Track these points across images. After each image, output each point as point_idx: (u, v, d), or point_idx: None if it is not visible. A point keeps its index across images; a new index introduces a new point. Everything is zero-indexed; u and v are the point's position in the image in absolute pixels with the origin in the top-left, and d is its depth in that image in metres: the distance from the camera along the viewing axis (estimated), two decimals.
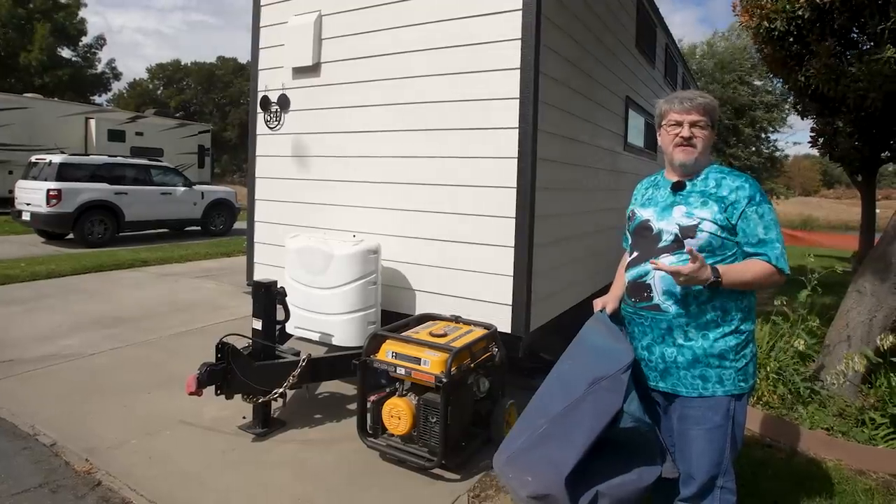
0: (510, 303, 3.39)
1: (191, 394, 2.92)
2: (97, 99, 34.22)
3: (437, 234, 3.64)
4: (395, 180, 3.80)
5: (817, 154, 10.07)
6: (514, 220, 3.36)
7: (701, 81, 19.94)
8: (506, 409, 3.03)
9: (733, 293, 1.82)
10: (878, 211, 9.59)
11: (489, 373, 3.05)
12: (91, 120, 15.72)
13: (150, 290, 6.81)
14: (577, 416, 1.74)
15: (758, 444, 3.22)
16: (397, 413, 2.79)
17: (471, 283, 3.52)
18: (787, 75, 5.37)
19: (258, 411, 3.23)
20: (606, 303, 2.09)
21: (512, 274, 3.37)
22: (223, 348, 3.06)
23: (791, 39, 4.64)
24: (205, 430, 3.21)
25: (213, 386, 3.04)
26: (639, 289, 1.91)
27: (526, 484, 1.72)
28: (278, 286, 3.32)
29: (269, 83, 4.43)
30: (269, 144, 4.49)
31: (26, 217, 10.00)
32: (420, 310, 3.69)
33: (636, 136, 6.18)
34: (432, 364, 2.72)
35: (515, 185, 3.34)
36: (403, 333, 3.08)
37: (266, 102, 4.44)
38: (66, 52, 32.11)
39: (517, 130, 3.32)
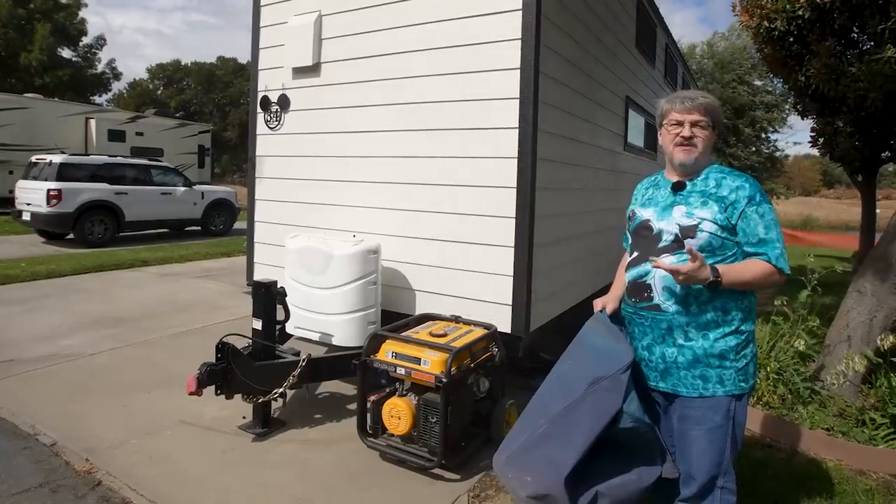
0: (510, 303, 3.39)
1: (191, 394, 2.92)
2: (97, 99, 34.27)
3: (437, 234, 3.64)
4: (396, 180, 3.80)
5: (817, 154, 10.07)
6: (514, 220, 3.36)
7: (701, 81, 19.94)
8: (506, 409, 3.03)
9: (734, 293, 1.82)
10: (878, 211, 9.59)
11: (489, 373, 3.05)
12: (91, 120, 15.72)
13: (150, 290, 6.81)
14: (577, 416, 1.74)
15: (758, 445, 3.22)
16: (397, 413, 2.79)
17: (471, 283, 3.52)
18: (788, 75, 5.37)
19: (258, 411, 3.23)
20: (606, 303, 2.09)
21: (512, 274, 3.37)
22: (223, 348, 3.06)
23: (791, 39, 4.64)
24: (205, 430, 3.21)
25: (213, 386, 3.04)
26: (639, 289, 1.91)
27: (525, 484, 1.72)
28: (278, 286, 3.32)
29: (269, 83, 4.43)
30: (269, 144, 4.49)
31: (26, 217, 10.01)
32: (420, 310, 3.69)
33: (636, 136, 6.18)
34: (432, 364, 2.72)
35: (515, 185, 3.34)
36: (403, 333, 3.08)
37: (266, 102, 4.44)
38: (66, 53, 32.13)
39: (517, 130, 3.32)
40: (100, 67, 34.56)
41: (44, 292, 6.36)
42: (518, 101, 3.31)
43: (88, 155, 12.04)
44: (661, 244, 1.86)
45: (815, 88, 4.74)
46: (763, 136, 22.51)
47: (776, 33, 4.49)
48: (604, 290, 2.26)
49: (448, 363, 2.67)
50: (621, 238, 2.18)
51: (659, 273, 1.83)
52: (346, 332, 3.45)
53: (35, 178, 10.06)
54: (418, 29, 3.65)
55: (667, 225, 1.86)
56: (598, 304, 2.11)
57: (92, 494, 2.54)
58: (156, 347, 4.64)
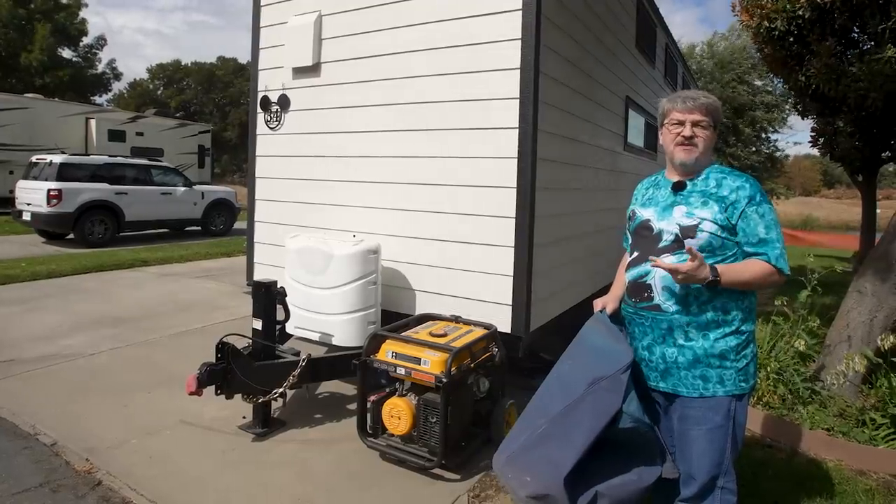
0: (510, 303, 3.39)
1: (191, 394, 2.92)
2: (97, 99, 34.29)
3: (437, 234, 3.64)
4: (396, 180, 3.80)
5: (818, 154, 10.07)
6: (514, 220, 3.36)
7: (701, 81, 19.94)
8: (506, 409, 3.03)
9: (734, 293, 1.82)
10: (878, 211, 9.60)
11: (489, 373, 3.05)
12: (91, 120, 15.73)
13: (150, 290, 6.81)
14: (577, 416, 1.74)
15: (758, 445, 3.22)
16: (397, 413, 2.79)
17: (471, 283, 3.52)
18: (788, 75, 5.36)
19: (258, 411, 3.23)
20: (606, 303, 2.09)
21: (512, 274, 3.37)
22: (223, 348, 3.06)
23: (791, 39, 4.64)
24: (205, 430, 3.21)
25: (213, 386, 3.03)
26: (639, 289, 1.91)
27: (525, 484, 1.72)
28: (278, 286, 3.32)
29: (270, 83, 4.43)
30: (269, 144, 4.49)
31: (27, 217, 10.01)
32: (420, 310, 3.68)
33: (636, 136, 6.18)
34: (432, 364, 2.72)
35: (515, 185, 3.34)
36: (403, 333, 3.08)
37: (266, 102, 4.44)
38: (66, 53, 32.14)
39: (517, 130, 3.32)
40: (100, 67, 34.63)
41: (44, 292, 6.36)
42: (518, 101, 3.31)
43: (88, 155, 12.04)
44: (662, 244, 1.86)
45: (815, 88, 4.73)
46: (763, 136, 22.52)
47: (776, 33, 4.49)
48: (604, 290, 2.26)
49: (448, 363, 2.67)
50: (621, 238, 2.18)
51: (659, 273, 1.83)
52: (346, 332, 3.45)
53: (35, 178, 10.06)
54: (418, 29, 3.65)
55: (667, 225, 1.86)
56: (598, 304, 2.11)
57: (92, 494, 2.54)
58: (156, 347, 4.64)
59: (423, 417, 2.76)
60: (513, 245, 3.36)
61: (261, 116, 4.50)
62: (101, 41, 33.95)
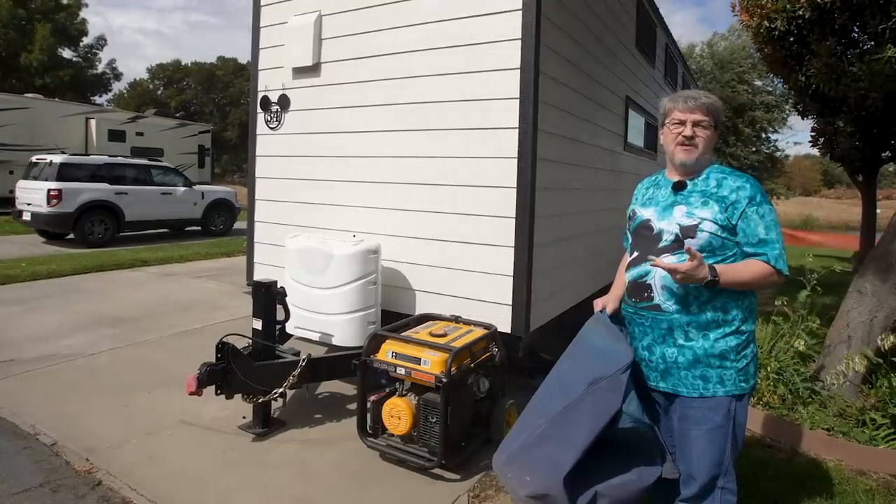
0: (510, 303, 3.38)
1: (191, 394, 2.92)
2: (98, 99, 34.30)
3: (437, 234, 3.64)
4: (396, 180, 3.80)
5: (818, 154, 10.08)
6: (514, 220, 3.36)
7: (701, 81, 19.94)
8: (506, 409, 3.03)
9: (734, 293, 1.82)
10: (878, 211, 9.60)
11: (489, 373, 3.05)
12: (91, 120, 15.73)
13: (150, 290, 6.81)
14: (577, 416, 1.74)
15: (758, 445, 3.22)
16: (397, 413, 2.79)
17: (471, 283, 3.52)
18: (788, 75, 5.37)
19: (258, 411, 3.23)
20: (606, 303, 2.09)
21: (512, 274, 3.37)
22: (223, 348, 3.06)
23: (791, 39, 4.64)
24: (205, 430, 3.21)
25: (213, 386, 3.03)
26: (639, 289, 1.91)
27: (525, 484, 1.72)
28: (278, 286, 3.32)
29: (270, 83, 4.43)
30: (269, 144, 4.49)
31: (27, 217, 10.01)
32: (420, 310, 3.68)
33: (636, 136, 6.18)
34: (432, 364, 2.72)
35: (515, 185, 3.34)
36: (403, 333, 3.08)
37: (266, 102, 4.44)
38: (66, 53, 32.16)
39: (517, 130, 3.32)
40: (100, 68, 34.64)
41: (44, 292, 6.36)
42: (518, 101, 3.31)
43: (89, 155, 12.04)
44: (662, 244, 1.86)
45: (815, 88, 4.74)
46: (763, 136, 22.52)
47: (776, 33, 4.49)
48: (604, 290, 2.26)
49: (448, 363, 2.67)
50: (621, 238, 2.18)
51: (659, 273, 1.83)
52: (346, 332, 3.45)
53: (35, 178, 10.06)
54: (418, 29, 3.65)
55: (667, 225, 1.86)
56: (598, 304, 2.11)
57: (92, 494, 2.54)
58: (156, 347, 4.64)
59: (423, 417, 2.76)
60: (513, 245, 3.36)
61: (261, 116, 4.50)
62: (101, 41, 34.01)
